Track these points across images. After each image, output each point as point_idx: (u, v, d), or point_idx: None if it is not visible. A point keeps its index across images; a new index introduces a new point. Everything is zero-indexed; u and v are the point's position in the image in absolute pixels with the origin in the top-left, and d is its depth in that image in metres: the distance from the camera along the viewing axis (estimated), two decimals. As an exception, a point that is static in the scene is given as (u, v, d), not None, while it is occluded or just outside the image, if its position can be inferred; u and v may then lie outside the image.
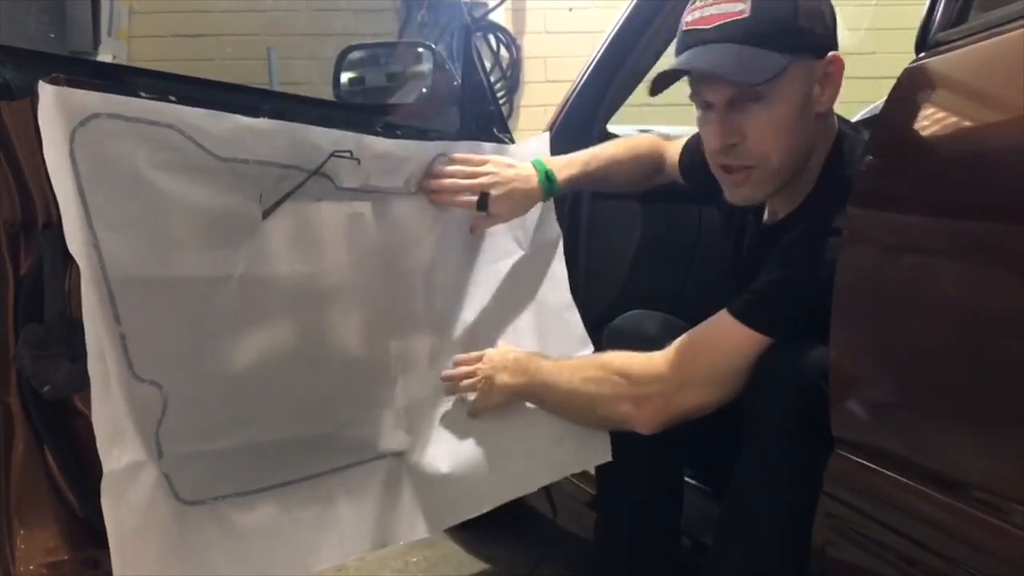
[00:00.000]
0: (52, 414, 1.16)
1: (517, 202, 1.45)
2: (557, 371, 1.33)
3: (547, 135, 1.62)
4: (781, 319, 1.13)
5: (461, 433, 1.46)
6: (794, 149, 1.18)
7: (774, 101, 1.14)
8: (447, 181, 1.40)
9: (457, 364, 1.44)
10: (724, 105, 1.16)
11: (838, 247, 1.01)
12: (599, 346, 1.39)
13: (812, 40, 1.15)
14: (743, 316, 1.15)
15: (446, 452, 1.43)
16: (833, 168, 1.19)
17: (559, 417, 1.36)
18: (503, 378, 1.37)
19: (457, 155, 1.44)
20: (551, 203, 1.56)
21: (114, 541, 1.08)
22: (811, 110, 1.17)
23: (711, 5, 1.15)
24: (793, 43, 1.13)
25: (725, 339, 1.16)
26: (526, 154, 1.53)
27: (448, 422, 1.46)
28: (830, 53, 1.16)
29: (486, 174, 1.43)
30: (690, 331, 1.21)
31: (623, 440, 1.30)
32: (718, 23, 1.14)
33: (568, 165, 1.50)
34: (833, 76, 1.16)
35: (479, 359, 1.41)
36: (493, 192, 1.42)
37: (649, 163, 1.57)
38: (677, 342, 1.21)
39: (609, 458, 1.34)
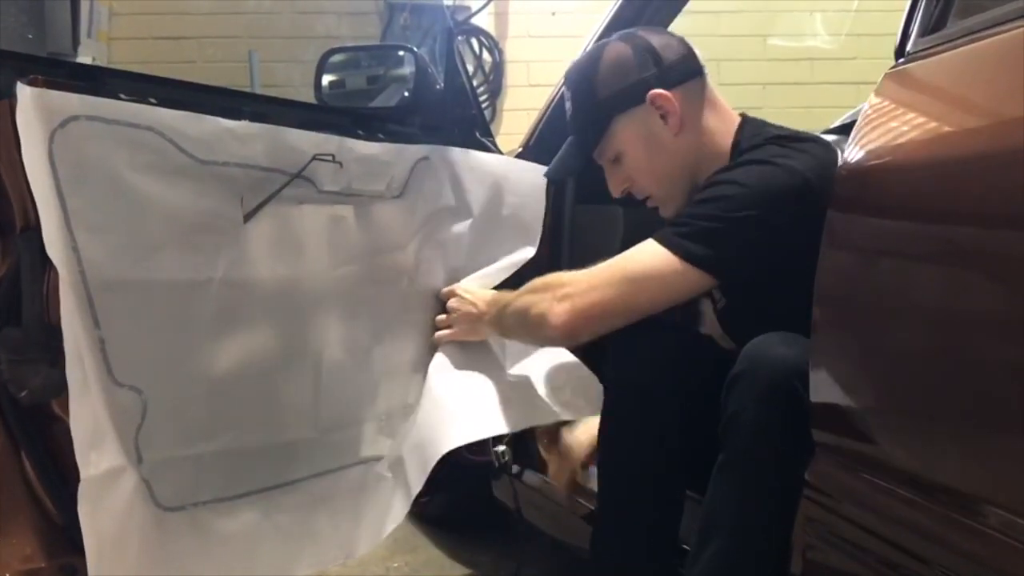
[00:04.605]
0: (30, 419, 1.14)
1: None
2: (507, 295, 1.40)
3: (543, 168, 1.63)
4: (690, 238, 1.18)
5: (430, 411, 1.42)
6: (669, 174, 1.33)
7: (624, 155, 1.34)
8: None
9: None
10: (607, 164, 1.37)
11: (744, 177, 1.18)
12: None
13: (621, 98, 1.31)
14: (657, 235, 1.22)
15: (416, 429, 1.40)
16: (739, 148, 1.29)
17: (511, 337, 1.46)
18: (480, 314, 1.45)
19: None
20: (535, 218, 1.62)
21: (91, 548, 1.07)
22: (665, 138, 1.30)
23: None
24: (604, 114, 1.32)
25: (636, 254, 1.23)
26: (522, 173, 1.61)
27: (422, 410, 1.43)
28: (648, 94, 1.29)
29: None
30: None
31: (635, 460, 1.30)
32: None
33: None
34: (666, 108, 1.29)
35: (455, 297, 1.51)
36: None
37: None
38: None
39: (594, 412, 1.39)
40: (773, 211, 1.15)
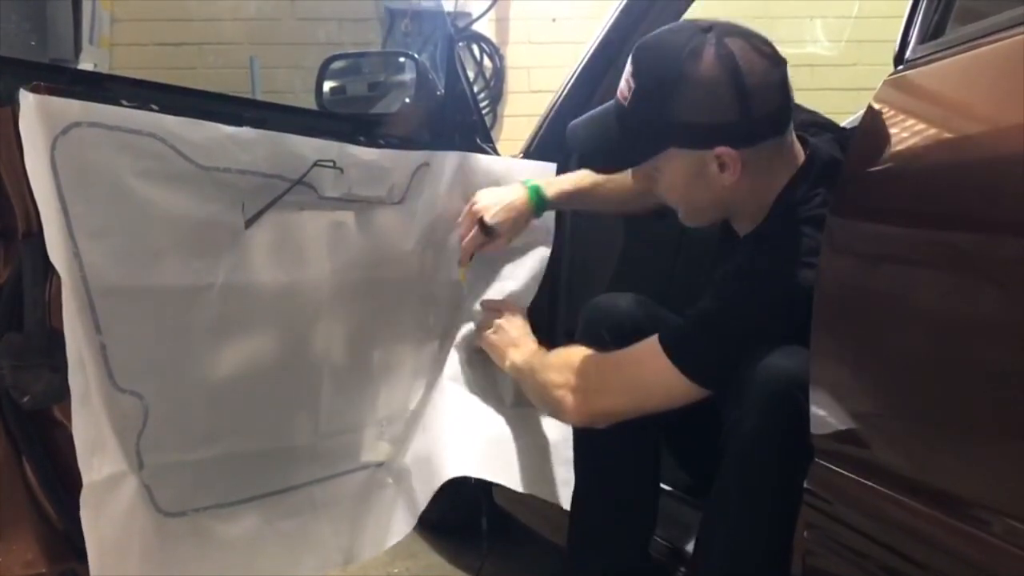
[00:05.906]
0: (31, 425, 1.15)
1: (512, 218, 1.52)
2: (538, 357, 1.40)
3: (554, 165, 1.65)
4: (701, 361, 1.16)
5: (440, 426, 1.44)
6: (701, 207, 1.24)
7: (662, 173, 1.21)
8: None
9: (487, 308, 1.53)
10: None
11: (769, 288, 1.12)
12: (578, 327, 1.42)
13: (689, 134, 1.15)
14: (667, 345, 1.18)
15: (423, 442, 1.42)
16: (786, 201, 1.19)
17: (528, 396, 1.42)
18: (512, 352, 1.44)
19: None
20: (548, 218, 1.60)
21: (93, 553, 1.07)
22: (713, 183, 1.17)
23: (624, 75, 1.19)
24: (664, 137, 1.17)
25: (648, 361, 1.19)
26: (529, 174, 1.59)
27: (429, 422, 1.45)
28: (718, 149, 1.14)
29: (476, 202, 1.51)
30: (635, 344, 1.23)
31: (610, 459, 1.31)
32: (616, 97, 1.21)
33: (559, 181, 1.57)
34: (729, 165, 1.15)
35: (506, 315, 1.50)
36: (488, 216, 1.49)
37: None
38: (621, 350, 1.25)
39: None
40: (781, 327, 1.11)
